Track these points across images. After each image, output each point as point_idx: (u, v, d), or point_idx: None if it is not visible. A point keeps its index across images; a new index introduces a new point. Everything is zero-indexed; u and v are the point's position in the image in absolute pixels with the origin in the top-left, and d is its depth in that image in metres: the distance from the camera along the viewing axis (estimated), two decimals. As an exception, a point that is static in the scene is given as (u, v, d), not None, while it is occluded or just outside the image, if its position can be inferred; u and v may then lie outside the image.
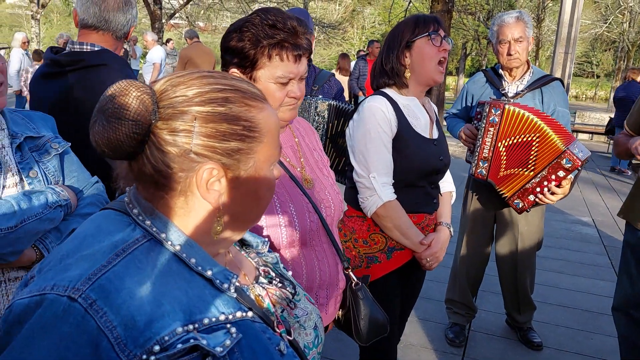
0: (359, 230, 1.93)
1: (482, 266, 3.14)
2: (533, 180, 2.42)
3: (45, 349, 0.65)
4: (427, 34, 1.83)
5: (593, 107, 22.26)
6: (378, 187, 1.82)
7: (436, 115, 2.05)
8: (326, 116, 2.65)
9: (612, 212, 6.23)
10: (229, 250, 0.92)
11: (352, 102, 9.32)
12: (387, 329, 1.53)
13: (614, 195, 7.22)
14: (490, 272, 3.35)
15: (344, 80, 9.49)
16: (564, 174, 2.36)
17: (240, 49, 1.27)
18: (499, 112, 2.44)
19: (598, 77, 36.21)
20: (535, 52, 24.16)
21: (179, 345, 0.67)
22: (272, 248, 1.32)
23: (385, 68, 1.89)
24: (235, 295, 0.79)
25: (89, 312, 0.66)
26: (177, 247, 0.76)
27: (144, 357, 0.66)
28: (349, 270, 1.52)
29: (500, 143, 2.47)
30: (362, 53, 11.45)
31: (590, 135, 12.71)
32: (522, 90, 2.79)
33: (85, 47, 1.82)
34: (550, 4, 24.45)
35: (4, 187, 1.30)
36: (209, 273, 0.77)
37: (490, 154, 2.50)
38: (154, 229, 0.77)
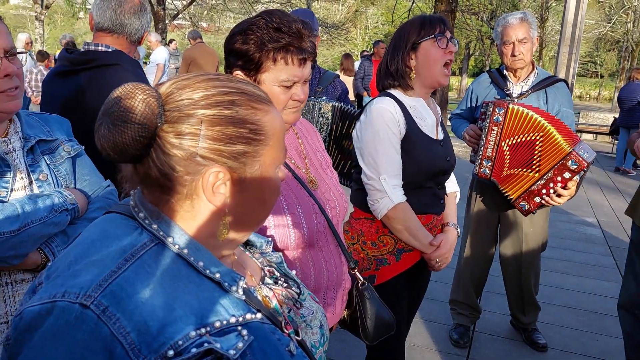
0: (367, 232, 1.93)
1: (487, 267, 3.13)
2: (539, 182, 2.41)
3: (60, 357, 0.65)
4: (433, 36, 1.82)
5: (597, 107, 22.20)
6: (389, 189, 1.81)
7: (440, 116, 2.05)
8: (330, 117, 2.65)
9: (617, 213, 6.21)
10: (233, 252, 0.92)
11: (357, 102, 9.32)
12: (394, 328, 1.53)
13: (619, 196, 7.20)
14: (495, 273, 3.35)
15: (348, 80, 9.48)
16: (570, 175, 2.34)
17: (245, 52, 1.27)
18: (503, 111, 2.44)
19: (602, 77, 36.12)
20: (538, 52, 24.11)
21: (193, 350, 0.67)
22: (277, 249, 1.32)
23: (390, 69, 1.89)
24: (243, 297, 0.79)
25: (101, 319, 0.65)
26: (185, 251, 0.76)
27: None
28: (355, 271, 1.52)
29: (504, 142, 2.46)
30: (365, 53, 11.44)
31: (595, 135, 12.67)
32: (526, 91, 2.78)
33: (99, 47, 1.87)
34: (554, 4, 24.39)
35: (12, 190, 1.29)
36: (217, 275, 0.77)
37: (494, 153, 2.49)
38: (161, 233, 0.77)
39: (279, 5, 18.80)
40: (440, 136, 1.96)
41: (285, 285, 0.96)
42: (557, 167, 2.35)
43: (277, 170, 0.83)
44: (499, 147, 2.48)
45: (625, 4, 24.71)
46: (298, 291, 0.97)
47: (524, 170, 2.44)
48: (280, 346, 0.78)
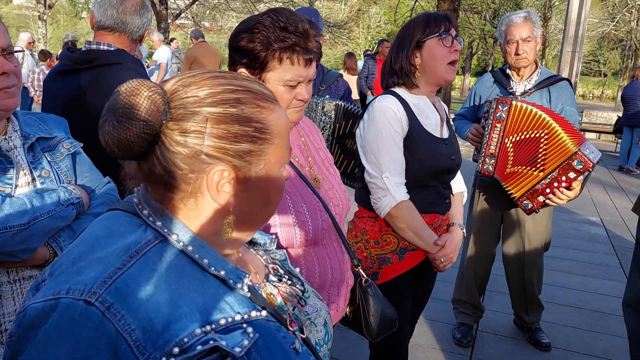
0: (371, 231, 1.92)
1: (489, 266, 3.13)
2: (543, 181, 2.39)
3: (63, 354, 0.64)
4: (438, 34, 1.81)
5: (600, 106, 22.12)
6: (391, 187, 1.80)
7: (447, 115, 2.04)
8: (333, 116, 2.65)
9: (621, 212, 6.20)
10: (238, 249, 0.92)
11: (360, 101, 9.32)
12: (396, 324, 1.53)
13: (622, 195, 7.18)
14: (498, 272, 3.34)
15: (351, 79, 9.47)
16: (575, 175, 2.32)
17: (251, 50, 1.27)
18: (506, 107, 2.43)
19: (605, 75, 36.01)
20: (542, 51, 24.05)
21: (199, 347, 0.67)
22: (282, 247, 1.32)
23: (395, 68, 1.88)
24: (248, 294, 0.79)
25: (106, 316, 0.65)
26: (189, 248, 0.76)
27: (164, 359, 0.66)
28: (359, 268, 1.52)
29: (507, 139, 2.45)
30: (369, 53, 11.43)
31: (598, 134, 12.64)
32: (529, 89, 2.78)
33: (101, 46, 1.87)
34: (557, 3, 24.33)
35: (16, 186, 1.30)
36: (222, 273, 0.77)
37: (497, 150, 2.48)
38: (165, 230, 0.76)
39: (281, 4, 18.82)
40: (446, 135, 1.95)
41: (289, 282, 0.96)
42: (562, 167, 2.33)
43: (281, 170, 0.83)
44: (502, 144, 2.46)
45: (629, 2, 24.63)
46: (302, 289, 0.97)
47: (528, 168, 2.43)
48: (286, 344, 0.78)
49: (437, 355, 2.95)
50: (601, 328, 3.33)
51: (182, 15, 19.50)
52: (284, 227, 1.32)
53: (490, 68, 25.23)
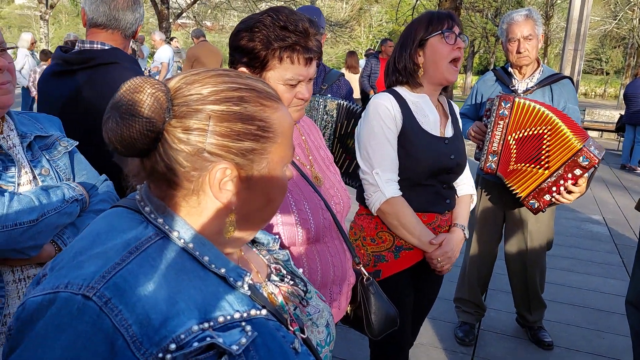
0: (367, 227, 1.93)
1: (492, 265, 3.13)
2: (549, 180, 2.37)
3: (60, 348, 0.65)
4: (441, 32, 1.80)
5: (603, 105, 22.08)
6: (381, 183, 1.81)
7: (453, 113, 2.02)
8: (335, 115, 2.65)
9: (623, 210, 6.19)
10: (240, 248, 0.92)
11: (362, 100, 9.31)
12: (398, 323, 1.53)
13: (625, 193, 7.16)
14: (500, 270, 3.34)
15: (353, 78, 9.47)
16: (581, 172, 2.30)
17: (251, 49, 1.27)
18: (509, 105, 2.42)
19: (607, 74, 35.94)
20: (544, 50, 24.01)
21: (195, 344, 0.67)
22: (284, 246, 1.32)
23: (398, 66, 1.88)
24: (249, 292, 0.79)
25: (103, 311, 0.65)
26: (190, 245, 0.76)
27: (160, 355, 0.66)
28: (360, 266, 1.53)
29: (510, 136, 2.44)
30: (371, 52, 11.42)
31: (600, 132, 12.62)
32: (531, 87, 2.77)
33: (95, 45, 1.83)
34: (559, 1, 24.28)
35: (19, 184, 1.31)
36: (223, 270, 0.77)
37: (500, 148, 2.47)
38: (166, 227, 0.76)
39: (282, 3, 18.81)
40: (449, 134, 1.94)
41: (291, 283, 0.95)
42: (568, 164, 2.31)
43: (284, 169, 0.83)
44: (505, 141, 2.45)
45: (631, 0, 24.56)
46: (304, 289, 0.96)
47: (532, 166, 2.41)
48: (285, 343, 0.78)
49: (439, 354, 2.94)
50: (604, 327, 3.32)
51: (184, 14, 19.50)
52: (286, 226, 1.32)
53: (492, 66, 25.19)
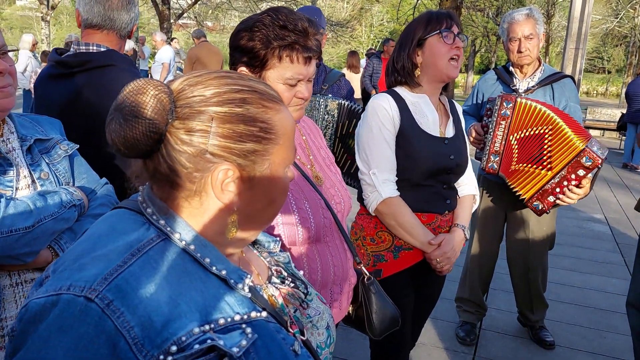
0: (367, 227, 1.93)
1: (493, 264, 3.13)
2: (552, 181, 2.35)
3: (63, 349, 0.65)
4: (439, 31, 1.81)
5: (604, 103, 22.05)
6: (378, 184, 1.82)
7: (454, 113, 2.02)
8: (336, 115, 2.65)
9: (625, 209, 6.18)
10: (241, 250, 0.92)
11: (363, 100, 9.31)
12: (399, 322, 1.53)
13: (627, 192, 7.15)
14: (502, 270, 3.33)
15: (354, 77, 9.47)
16: (585, 172, 2.29)
17: (251, 49, 1.28)
18: (511, 105, 2.42)
19: (609, 72, 35.88)
20: (545, 48, 23.99)
21: (196, 346, 0.68)
22: (285, 246, 1.33)
23: (397, 66, 1.89)
24: (249, 295, 0.79)
25: (105, 313, 0.66)
26: (192, 247, 0.77)
27: (161, 357, 0.67)
28: (361, 266, 1.53)
29: (512, 136, 2.44)
30: (372, 51, 11.42)
31: (602, 131, 12.60)
32: (532, 86, 2.77)
33: (91, 47, 1.81)
34: (560, 0, 24.24)
35: (17, 189, 1.30)
36: (223, 272, 0.77)
37: (502, 148, 2.47)
38: (168, 229, 0.77)
39: (283, 3, 18.82)
40: (449, 134, 1.94)
41: (292, 285, 0.96)
42: (571, 165, 2.30)
43: (286, 170, 0.83)
44: (507, 141, 2.45)
45: (633, -2, 24.51)
46: (305, 291, 0.97)
47: (535, 167, 2.40)
48: (285, 345, 0.78)
49: (440, 354, 2.94)
50: (605, 326, 3.32)
51: (185, 15, 19.52)
52: (286, 225, 1.32)
53: (493, 66, 25.17)
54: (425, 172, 1.87)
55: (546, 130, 2.35)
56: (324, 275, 1.40)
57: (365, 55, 12.14)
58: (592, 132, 12.24)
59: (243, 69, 1.31)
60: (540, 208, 2.44)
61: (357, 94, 9.42)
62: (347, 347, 2.88)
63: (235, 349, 0.70)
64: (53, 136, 1.44)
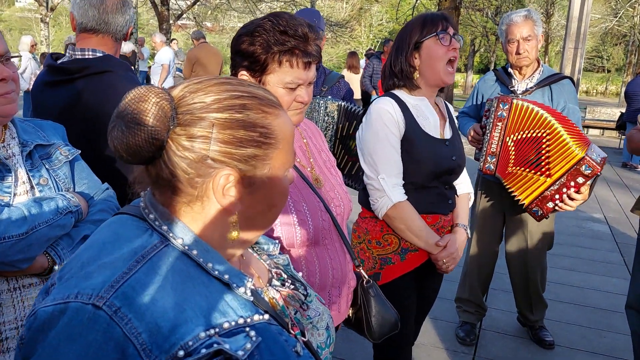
0: (372, 231, 1.94)
1: (493, 265, 3.14)
2: (551, 188, 2.37)
3: (74, 356, 0.66)
4: (435, 33, 1.82)
5: (604, 102, 22.05)
6: (387, 188, 1.82)
7: (450, 115, 2.04)
8: (336, 117, 2.66)
9: (624, 209, 6.18)
10: (242, 253, 0.93)
11: (363, 101, 9.32)
12: (398, 326, 1.54)
13: (626, 192, 7.16)
14: (501, 270, 3.34)
15: (354, 78, 9.48)
16: (584, 180, 2.30)
17: (251, 53, 1.29)
18: (507, 106, 2.43)
19: (609, 71, 35.90)
20: (544, 48, 23.99)
21: (203, 350, 0.69)
22: (284, 248, 1.33)
23: (394, 70, 1.89)
24: (251, 298, 0.80)
25: (114, 320, 0.67)
26: (194, 252, 0.78)
27: None
28: (360, 268, 1.53)
29: (508, 138, 2.45)
30: (371, 52, 11.43)
31: (602, 130, 12.59)
32: (531, 88, 2.78)
33: (87, 53, 1.79)
34: (559, -1, 24.24)
35: (15, 195, 1.30)
36: (226, 277, 0.78)
37: (499, 149, 2.48)
38: (171, 234, 0.78)
39: (282, 4, 18.79)
40: (447, 135, 1.96)
41: (292, 287, 0.97)
42: (571, 173, 2.31)
43: (286, 174, 0.84)
44: (503, 142, 2.46)
45: (632, -2, 24.52)
46: (305, 293, 0.98)
47: (533, 172, 2.40)
48: (287, 347, 0.79)
49: (440, 354, 2.95)
50: (605, 325, 3.33)
51: (184, 15, 19.52)
52: (285, 227, 1.33)
53: (492, 65, 25.18)
54: (430, 174, 1.89)
55: (543, 134, 2.36)
56: (323, 278, 1.41)
57: (365, 55, 12.15)
58: (592, 132, 12.25)
59: (244, 73, 1.32)
60: (539, 214, 2.46)
61: (357, 95, 9.43)
62: (348, 348, 2.89)
63: (240, 352, 0.71)
64: (54, 141, 1.44)
